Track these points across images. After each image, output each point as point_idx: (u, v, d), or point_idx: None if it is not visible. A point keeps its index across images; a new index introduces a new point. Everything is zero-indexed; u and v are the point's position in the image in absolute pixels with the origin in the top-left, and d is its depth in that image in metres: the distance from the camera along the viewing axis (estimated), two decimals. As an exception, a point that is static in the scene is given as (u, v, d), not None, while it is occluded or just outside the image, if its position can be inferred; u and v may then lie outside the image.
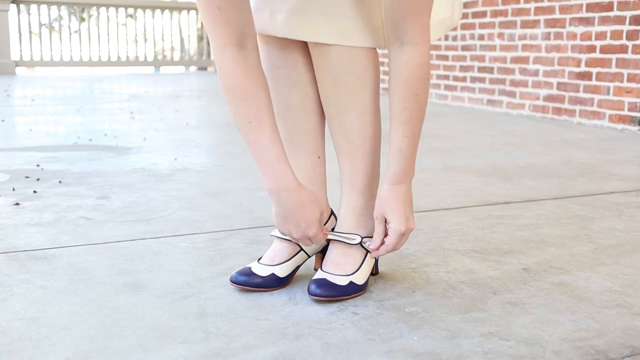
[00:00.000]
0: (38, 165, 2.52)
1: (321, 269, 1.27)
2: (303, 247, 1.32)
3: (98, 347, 1.03)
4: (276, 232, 1.33)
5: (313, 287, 1.22)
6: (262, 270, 1.28)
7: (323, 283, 1.22)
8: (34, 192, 2.08)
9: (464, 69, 5.01)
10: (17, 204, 1.93)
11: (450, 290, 1.28)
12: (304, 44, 1.27)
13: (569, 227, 1.74)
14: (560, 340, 1.07)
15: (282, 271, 1.28)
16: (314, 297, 1.21)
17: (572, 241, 1.62)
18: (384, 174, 1.25)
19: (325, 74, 1.23)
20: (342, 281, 1.23)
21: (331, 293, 1.21)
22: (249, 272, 1.27)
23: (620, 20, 3.71)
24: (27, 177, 2.31)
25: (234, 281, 1.27)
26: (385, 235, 1.24)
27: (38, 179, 2.28)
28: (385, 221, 1.22)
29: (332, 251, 1.28)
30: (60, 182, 2.24)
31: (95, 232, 1.65)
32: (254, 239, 1.61)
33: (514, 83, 4.52)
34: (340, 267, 1.25)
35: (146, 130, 3.56)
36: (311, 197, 1.17)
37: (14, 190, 2.11)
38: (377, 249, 1.24)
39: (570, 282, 1.33)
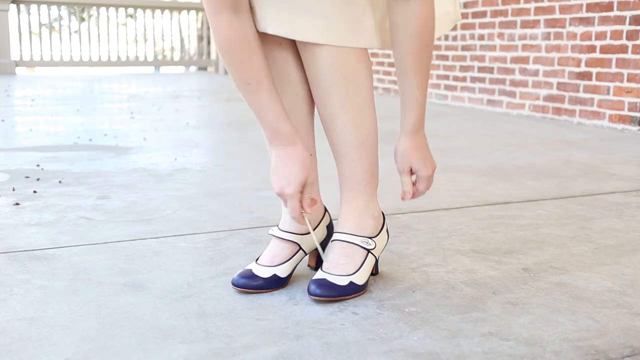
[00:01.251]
0: (38, 165, 2.52)
1: (321, 269, 1.27)
2: (302, 246, 1.32)
3: (98, 347, 1.03)
4: (274, 231, 1.33)
5: (313, 287, 1.22)
6: (263, 271, 1.28)
7: (323, 283, 1.22)
8: (34, 192, 2.08)
9: (464, 69, 5.01)
10: (17, 204, 1.93)
11: (450, 290, 1.28)
12: (293, 44, 1.26)
13: (569, 227, 1.74)
14: (560, 340, 1.07)
15: (283, 271, 1.28)
16: (314, 297, 1.21)
17: (572, 241, 1.62)
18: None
19: (316, 78, 1.23)
20: (342, 281, 1.23)
21: (331, 293, 1.21)
22: (250, 275, 1.27)
23: (620, 20, 3.71)
24: (27, 177, 2.31)
25: (235, 284, 1.26)
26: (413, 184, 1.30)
27: (38, 179, 2.28)
28: (410, 170, 1.27)
29: (333, 251, 1.28)
30: (60, 182, 2.24)
31: (95, 232, 1.65)
32: (254, 239, 1.61)
33: (514, 83, 4.52)
34: (340, 267, 1.25)
35: (146, 130, 3.56)
36: (302, 159, 1.19)
37: (14, 190, 2.11)
38: (412, 196, 1.29)
39: (570, 282, 1.33)
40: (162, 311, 1.17)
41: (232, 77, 1.18)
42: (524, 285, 1.32)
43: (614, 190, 2.19)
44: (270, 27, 1.19)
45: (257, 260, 1.32)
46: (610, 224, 1.77)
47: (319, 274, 1.25)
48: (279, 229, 1.33)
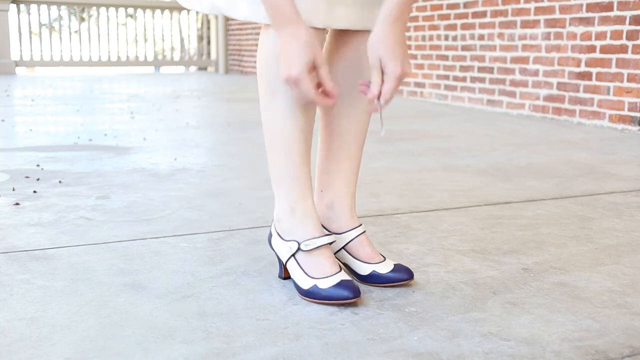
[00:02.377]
0: (38, 165, 2.52)
1: (366, 262, 1.30)
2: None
3: (98, 347, 1.03)
4: (320, 240, 1.25)
5: (399, 274, 1.28)
6: (345, 275, 1.23)
7: (400, 268, 1.29)
8: (34, 192, 2.08)
9: (464, 69, 5.01)
10: (17, 204, 1.93)
11: (450, 290, 1.28)
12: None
13: (569, 227, 1.74)
14: (560, 340, 1.07)
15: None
16: (405, 282, 1.28)
17: (572, 241, 1.62)
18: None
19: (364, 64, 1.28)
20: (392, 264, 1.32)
21: (410, 273, 1.30)
22: (346, 283, 1.20)
23: (620, 20, 3.71)
24: (27, 177, 2.31)
25: (343, 297, 1.18)
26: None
27: (38, 179, 2.28)
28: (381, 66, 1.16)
29: (367, 245, 1.32)
30: (60, 182, 2.24)
31: (95, 232, 1.65)
32: (254, 239, 1.61)
33: (514, 83, 4.52)
34: (378, 256, 1.32)
35: (146, 130, 3.56)
36: (305, 40, 1.11)
37: (14, 190, 2.11)
38: (376, 96, 1.16)
39: (570, 282, 1.33)
40: (162, 311, 1.17)
41: None
42: (524, 285, 1.32)
43: (614, 190, 2.19)
44: (339, 22, 1.20)
45: (317, 276, 1.22)
46: (610, 224, 1.77)
47: (383, 266, 1.29)
48: (317, 237, 1.25)
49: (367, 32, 1.24)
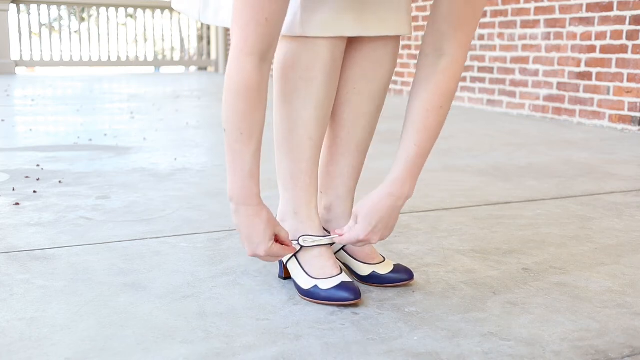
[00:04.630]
0: (38, 165, 2.52)
1: (366, 262, 1.30)
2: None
3: (98, 347, 1.03)
4: (321, 240, 1.26)
5: (400, 274, 1.29)
6: (346, 277, 1.24)
7: (400, 268, 1.30)
8: (34, 192, 2.09)
9: (464, 68, 5.01)
10: (17, 204, 1.93)
11: (450, 290, 1.28)
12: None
13: (569, 227, 1.74)
14: (560, 340, 1.07)
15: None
16: (407, 282, 1.29)
17: (572, 241, 1.62)
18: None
19: (391, 68, 1.28)
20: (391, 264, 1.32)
21: (410, 273, 1.30)
22: (348, 285, 1.21)
23: (620, 20, 3.71)
24: (27, 177, 2.31)
25: (343, 299, 1.19)
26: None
27: (38, 179, 2.28)
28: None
29: (366, 245, 1.31)
30: (60, 182, 2.24)
31: (95, 232, 1.65)
32: (254, 239, 1.61)
33: (514, 83, 4.52)
34: (378, 257, 1.32)
35: (146, 130, 3.56)
36: (267, 218, 1.14)
37: (14, 190, 2.11)
38: (341, 235, 1.22)
39: (570, 282, 1.33)
40: (162, 311, 1.17)
41: (226, 120, 1.11)
42: (524, 285, 1.32)
43: (614, 190, 2.19)
44: (348, 29, 1.17)
45: (319, 277, 1.22)
46: (610, 224, 1.77)
47: (382, 267, 1.29)
48: (319, 236, 1.26)
49: (382, 38, 1.23)
